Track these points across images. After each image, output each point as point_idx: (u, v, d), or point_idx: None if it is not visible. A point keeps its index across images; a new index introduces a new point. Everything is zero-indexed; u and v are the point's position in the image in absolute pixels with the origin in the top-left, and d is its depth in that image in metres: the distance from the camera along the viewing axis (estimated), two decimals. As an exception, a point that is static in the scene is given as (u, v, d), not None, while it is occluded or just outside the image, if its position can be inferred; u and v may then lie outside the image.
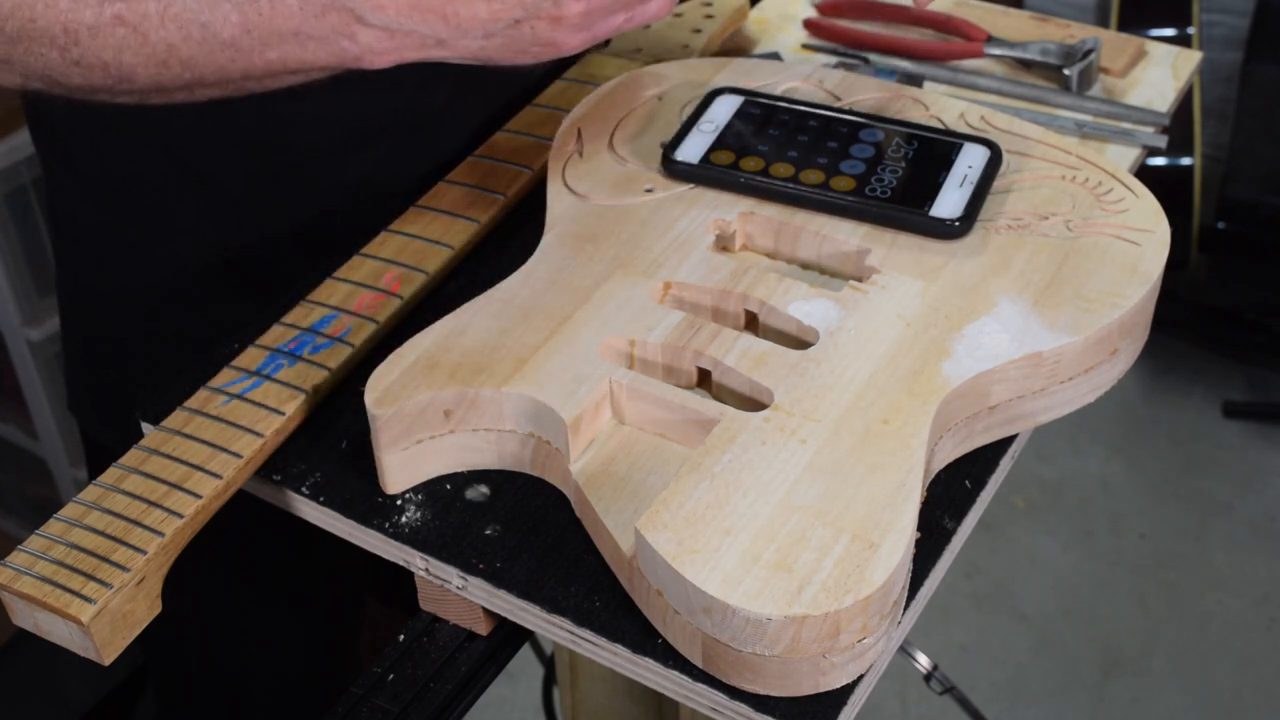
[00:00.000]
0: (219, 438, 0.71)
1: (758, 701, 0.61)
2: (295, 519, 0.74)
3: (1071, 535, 2.02)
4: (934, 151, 0.81)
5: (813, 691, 0.61)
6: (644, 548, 0.62)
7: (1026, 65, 0.99)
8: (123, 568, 0.65)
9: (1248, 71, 2.07)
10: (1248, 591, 1.93)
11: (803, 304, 0.73)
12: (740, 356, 0.70)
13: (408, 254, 0.83)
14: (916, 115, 0.86)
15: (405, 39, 0.69)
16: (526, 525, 0.69)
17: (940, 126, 0.84)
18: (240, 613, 1.07)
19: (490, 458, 0.72)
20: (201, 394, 0.74)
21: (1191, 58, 1.00)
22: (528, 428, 0.70)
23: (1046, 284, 0.73)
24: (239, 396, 0.74)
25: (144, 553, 0.65)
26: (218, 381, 0.75)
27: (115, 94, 0.72)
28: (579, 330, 0.72)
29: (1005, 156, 0.81)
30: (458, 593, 0.69)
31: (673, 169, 0.82)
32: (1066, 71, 0.96)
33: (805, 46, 1.03)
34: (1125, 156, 0.91)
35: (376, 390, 0.69)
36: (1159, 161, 2.02)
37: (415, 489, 0.72)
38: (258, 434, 0.72)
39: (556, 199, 0.82)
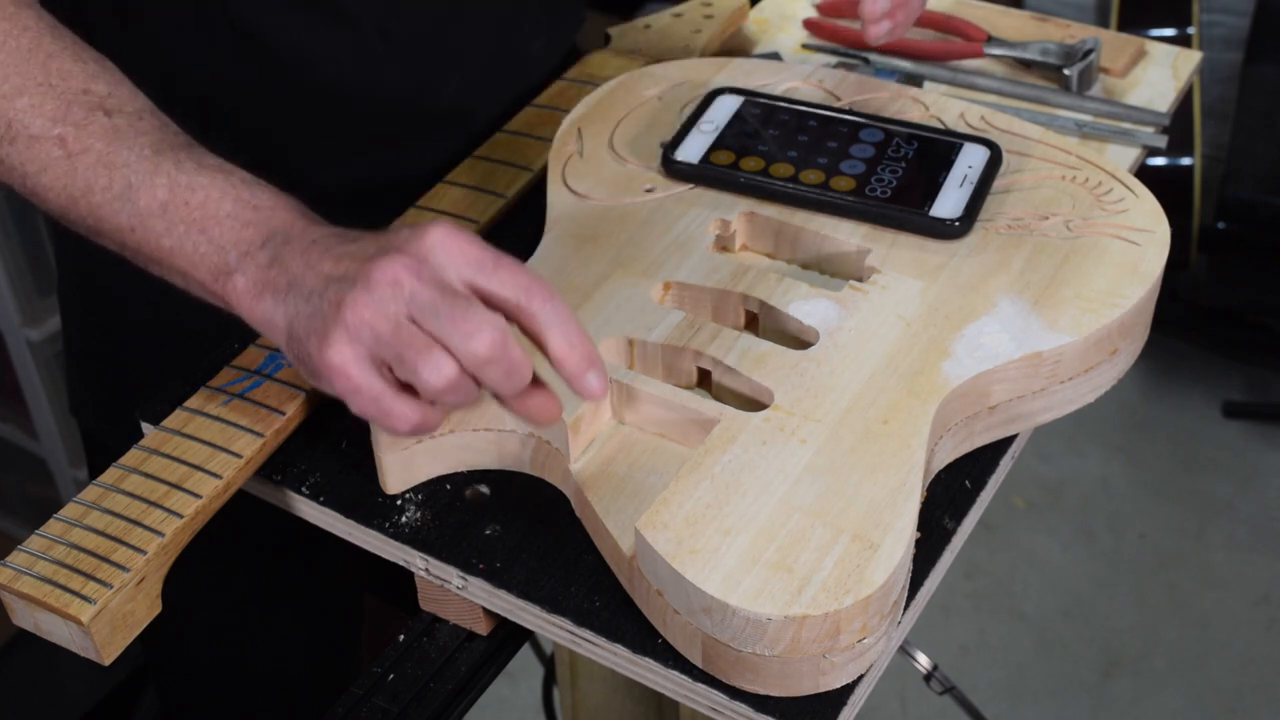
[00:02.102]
0: (219, 438, 0.71)
1: (758, 701, 0.61)
2: (295, 519, 0.74)
3: (1071, 535, 2.01)
4: (934, 151, 0.81)
5: (813, 691, 0.61)
6: (644, 548, 0.62)
7: (1026, 65, 0.99)
8: (123, 568, 0.65)
9: (1248, 71, 2.07)
10: (1247, 591, 1.93)
11: (803, 304, 0.73)
12: (740, 356, 0.70)
13: (408, 254, 0.82)
14: (916, 115, 0.86)
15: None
16: (526, 525, 0.69)
17: (940, 126, 0.84)
18: (241, 612, 1.06)
19: (490, 458, 0.72)
20: (201, 394, 0.74)
21: (1191, 58, 1.00)
22: (528, 428, 0.70)
23: (1046, 284, 0.73)
24: (239, 396, 0.74)
25: (144, 553, 0.65)
26: (218, 381, 0.75)
27: (19, 194, 0.70)
28: (579, 330, 0.72)
29: (1005, 156, 0.81)
30: (458, 593, 0.69)
31: (673, 169, 0.82)
32: (1066, 71, 0.96)
33: (805, 46, 1.03)
34: (1125, 156, 0.91)
35: (376, 390, 0.69)
36: (1159, 161, 2.02)
37: (415, 489, 0.71)
38: (258, 434, 0.72)
39: (556, 199, 0.82)
